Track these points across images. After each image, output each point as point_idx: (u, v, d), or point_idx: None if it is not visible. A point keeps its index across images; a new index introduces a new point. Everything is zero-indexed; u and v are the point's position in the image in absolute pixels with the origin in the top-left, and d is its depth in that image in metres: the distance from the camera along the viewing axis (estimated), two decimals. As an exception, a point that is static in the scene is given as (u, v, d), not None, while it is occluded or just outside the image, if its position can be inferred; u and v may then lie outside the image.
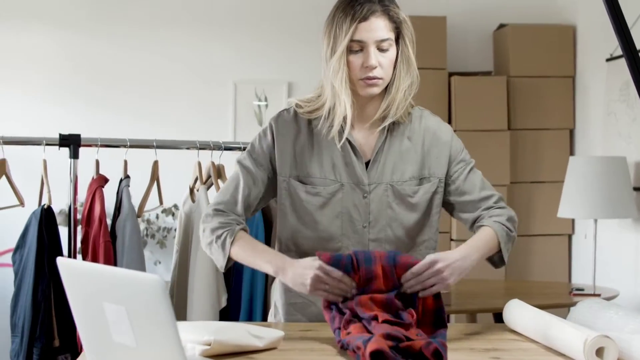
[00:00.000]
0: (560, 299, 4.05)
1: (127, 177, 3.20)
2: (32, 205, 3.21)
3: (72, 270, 1.63)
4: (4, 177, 3.13)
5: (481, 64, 5.42)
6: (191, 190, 3.23)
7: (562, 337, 1.91)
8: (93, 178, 3.16)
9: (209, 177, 3.28)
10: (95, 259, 2.99)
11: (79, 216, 3.18)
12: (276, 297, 2.36)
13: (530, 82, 5.18)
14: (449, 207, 2.34)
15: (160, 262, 5.18)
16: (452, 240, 4.98)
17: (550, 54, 5.19)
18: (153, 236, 5.17)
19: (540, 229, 5.19)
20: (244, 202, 2.24)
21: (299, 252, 2.24)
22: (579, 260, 5.16)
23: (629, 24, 2.01)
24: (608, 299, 4.08)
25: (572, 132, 5.25)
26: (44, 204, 3.08)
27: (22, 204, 3.17)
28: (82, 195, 3.26)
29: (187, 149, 3.30)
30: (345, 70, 2.16)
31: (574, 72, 5.21)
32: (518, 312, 2.17)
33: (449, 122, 5.09)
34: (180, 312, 3.11)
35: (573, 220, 5.20)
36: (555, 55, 5.20)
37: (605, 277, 4.64)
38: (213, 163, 3.26)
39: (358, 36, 2.14)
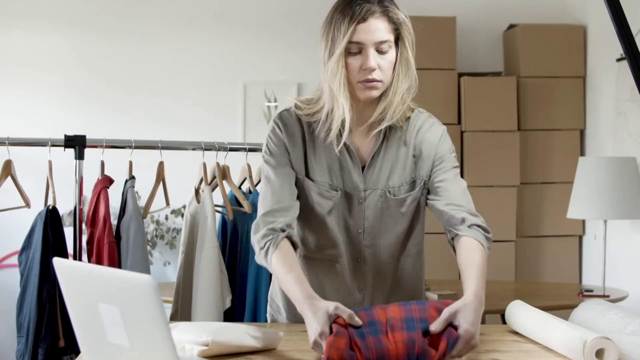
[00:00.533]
0: (568, 300, 4.02)
1: (132, 177, 3.20)
2: (38, 206, 3.21)
3: (68, 270, 1.63)
4: (9, 178, 3.13)
5: (491, 65, 5.41)
6: (196, 191, 3.23)
7: (562, 339, 1.90)
8: (98, 179, 3.17)
9: (214, 178, 3.28)
10: (99, 260, 3.00)
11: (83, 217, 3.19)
12: (278, 296, 2.35)
13: (541, 83, 5.16)
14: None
15: (169, 263, 5.19)
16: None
17: (561, 54, 5.17)
18: (162, 237, 5.18)
19: (551, 230, 5.17)
20: (285, 197, 2.16)
21: (307, 255, 2.24)
22: (590, 261, 5.14)
23: (634, 31, 1.99)
24: (617, 300, 4.07)
25: (582, 133, 5.22)
26: (49, 205, 3.08)
27: (27, 205, 3.18)
28: (88, 196, 3.27)
29: (193, 149, 3.30)
30: (344, 72, 2.10)
31: (584, 72, 5.19)
32: (520, 313, 2.16)
33: (459, 122, 5.08)
34: (186, 312, 3.11)
35: (584, 221, 5.18)
36: (565, 55, 5.17)
37: (615, 278, 4.62)
38: (218, 164, 3.26)
39: (356, 38, 2.08)
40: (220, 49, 5.36)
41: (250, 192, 3.36)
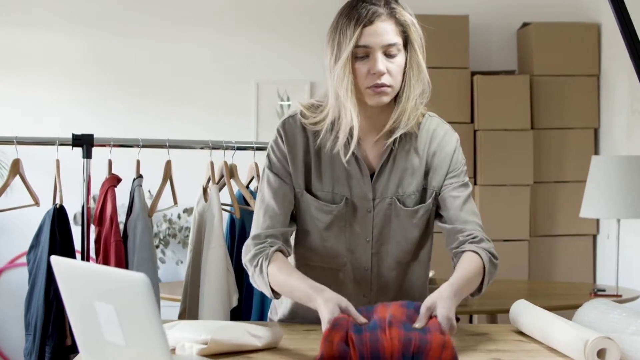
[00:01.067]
0: (580, 300, 3.95)
1: (139, 176, 3.21)
2: (48, 205, 3.22)
3: (64, 269, 1.63)
4: (17, 177, 3.15)
5: (504, 63, 5.39)
6: (204, 190, 3.24)
7: (564, 338, 1.88)
8: (106, 178, 3.18)
9: (222, 176, 3.28)
10: (106, 258, 3.01)
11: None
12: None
13: (554, 81, 5.13)
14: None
15: (182, 262, 5.20)
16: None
17: (575, 52, 5.14)
18: (175, 236, 5.20)
19: (564, 229, 5.15)
20: (278, 222, 2.14)
21: (307, 263, 2.21)
22: (604, 261, 5.10)
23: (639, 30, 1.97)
24: (630, 300, 4.04)
25: (596, 131, 5.19)
26: (56, 204, 3.10)
27: (37, 203, 3.19)
28: (97, 195, 3.29)
29: (201, 148, 3.30)
30: (351, 78, 2.03)
31: (598, 70, 5.16)
32: (523, 313, 2.15)
33: (472, 121, 5.06)
34: (193, 311, 3.11)
35: (598, 221, 5.15)
36: (579, 53, 5.15)
37: (629, 278, 4.58)
38: (225, 163, 3.26)
39: (363, 41, 2.02)
40: (233, 48, 5.37)
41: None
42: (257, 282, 2.13)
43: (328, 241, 2.18)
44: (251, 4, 5.39)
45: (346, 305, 1.88)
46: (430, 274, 3.39)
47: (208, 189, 3.23)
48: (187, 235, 5.15)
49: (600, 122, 5.17)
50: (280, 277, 2.05)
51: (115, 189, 3.13)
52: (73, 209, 3.32)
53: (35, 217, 3.27)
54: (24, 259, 4.97)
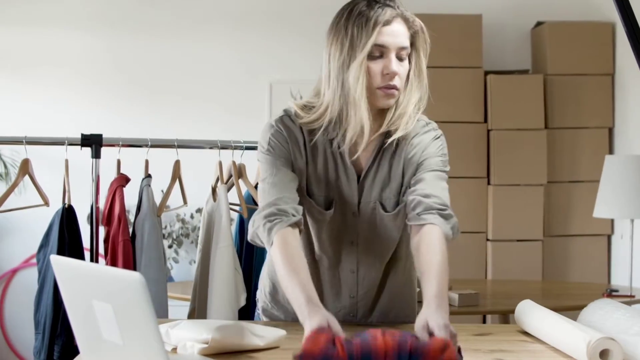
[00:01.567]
0: (592, 300, 3.97)
1: (148, 176, 3.22)
2: (58, 205, 3.24)
3: (64, 268, 1.64)
4: (27, 177, 3.16)
5: (518, 62, 5.36)
6: (213, 190, 3.24)
7: (567, 339, 1.87)
8: (115, 177, 3.19)
9: (230, 176, 3.29)
10: (114, 258, 3.02)
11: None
12: (266, 280, 2.33)
13: (568, 80, 5.10)
14: None
15: (194, 262, 5.20)
16: (488, 240, 4.91)
17: (589, 51, 5.11)
18: (187, 235, 5.21)
19: (579, 229, 5.11)
20: (290, 190, 2.07)
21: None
22: (618, 261, 5.07)
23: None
24: (641, 300, 4.01)
25: (611, 131, 5.16)
26: (65, 204, 3.11)
27: (46, 203, 3.20)
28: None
29: (210, 148, 3.30)
30: (366, 77, 2.01)
31: (613, 69, 5.12)
32: (528, 313, 2.14)
33: (485, 120, 5.04)
34: (202, 310, 3.12)
35: (612, 221, 5.11)
36: (593, 52, 5.11)
37: (643, 278, 4.55)
38: (234, 162, 3.27)
39: (381, 40, 2.00)
40: (246, 48, 5.37)
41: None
42: (259, 236, 2.04)
43: (316, 245, 2.18)
44: (265, 4, 5.40)
45: (333, 321, 1.78)
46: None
47: (217, 189, 3.23)
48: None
49: (615, 121, 5.13)
50: (282, 272, 1.94)
51: (124, 188, 3.14)
52: (82, 209, 3.33)
53: (47, 217, 3.29)
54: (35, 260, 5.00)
